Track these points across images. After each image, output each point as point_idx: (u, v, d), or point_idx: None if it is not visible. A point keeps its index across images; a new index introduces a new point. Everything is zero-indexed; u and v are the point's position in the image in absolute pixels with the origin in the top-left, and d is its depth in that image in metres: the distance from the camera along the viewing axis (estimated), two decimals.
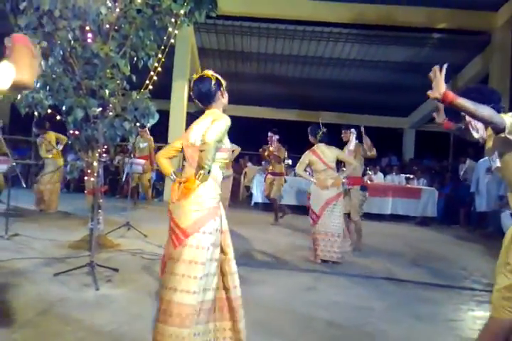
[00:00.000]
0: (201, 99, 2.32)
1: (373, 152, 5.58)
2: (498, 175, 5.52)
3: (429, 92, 1.87)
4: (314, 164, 4.88)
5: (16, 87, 1.33)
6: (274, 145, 7.37)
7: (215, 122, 2.12)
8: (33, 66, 1.38)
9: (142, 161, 7.21)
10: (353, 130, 5.47)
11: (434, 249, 6.21)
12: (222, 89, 2.32)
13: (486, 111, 1.90)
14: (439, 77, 1.85)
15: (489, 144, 2.22)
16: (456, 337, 2.93)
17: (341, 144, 5.70)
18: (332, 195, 4.75)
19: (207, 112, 2.32)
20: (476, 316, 3.35)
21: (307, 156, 4.89)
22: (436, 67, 1.87)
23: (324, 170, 4.81)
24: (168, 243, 2.20)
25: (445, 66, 1.88)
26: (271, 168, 7.59)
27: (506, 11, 9.19)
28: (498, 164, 2.24)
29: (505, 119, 1.93)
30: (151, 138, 7.97)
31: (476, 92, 2.09)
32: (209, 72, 2.30)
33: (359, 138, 5.56)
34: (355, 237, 5.63)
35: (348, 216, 5.54)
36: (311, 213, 4.84)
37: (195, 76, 2.32)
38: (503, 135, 1.97)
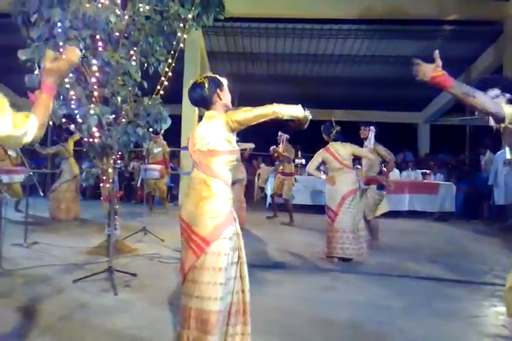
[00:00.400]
0: (198, 105, 2.33)
1: (390, 156, 5.47)
2: None
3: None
4: (329, 162, 4.84)
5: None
6: (282, 144, 7.36)
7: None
8: (45, 122, 1.59)
9: (158, 166, 7.26)
10: (372, 127, 5.40)
11: (452, 245, 6.12)
12: (219, 90, 2.25)
13: (479, 99, 1.82)
14: (423, 66, 1.85)
15: (504, 133, 2.19)
16: (480, 334, 2.88)
17: (356, 142, 5.66)
18: (347, 190, 4.68)
19: (207, 115, 2.27)
20: (499, 312, 3.27)
21: (320, 154, 4.86)
22: (418, 60, 1.86)
23: (340, 168, 4.77)
24: (187, 251, 2.15)
25: (436, 53, 1.88)
26: (281, 167, 7.59)
27: None
28: (508, 156, 2.21)
29: (504, 109, 1.87)
30: (165, 142, 8.02)
31: (493, 82, 2.05)
32: (202, 77, 2.28)
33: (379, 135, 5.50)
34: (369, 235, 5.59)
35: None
36: (327, 211, 4.80)
37: (190, 82, 2.31)
38: (503, 125, 1.95)
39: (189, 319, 2.08)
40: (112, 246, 3.72)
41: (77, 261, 4.25)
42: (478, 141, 10.05)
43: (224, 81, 2.31)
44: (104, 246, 4.35)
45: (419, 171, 9.98)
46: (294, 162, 7.80)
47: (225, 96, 2.29)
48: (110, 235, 3.90)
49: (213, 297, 2.05)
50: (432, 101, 13.96)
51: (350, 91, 13.38)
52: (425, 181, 9.48)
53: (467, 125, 11.92)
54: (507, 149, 2.25)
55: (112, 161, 4.45)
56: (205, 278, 2.07)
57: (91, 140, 4.42)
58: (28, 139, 1.51)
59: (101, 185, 4.62)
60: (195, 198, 2.17)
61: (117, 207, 4.46)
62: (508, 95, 2.05)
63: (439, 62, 1.84)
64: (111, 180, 4.41)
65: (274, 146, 7.64)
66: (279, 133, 7.38)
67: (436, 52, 1.84)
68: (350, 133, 5.67)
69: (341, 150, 4.78)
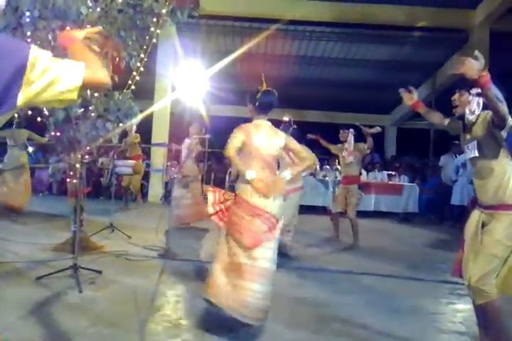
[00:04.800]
0: (267, 110, 2.99)
1: (370, 143, 5.66)
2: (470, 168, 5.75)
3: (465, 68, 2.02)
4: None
5: (92, 85, 1.27)
6: None
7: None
8: (100, 63, 1.28)
9: (131, 162, 7.13)
10: (351, 130, 5.60)
11: (415, 244, 6.34)
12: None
13: (504, 106, 2.12)
14: (472, 62, 2.00)
15: (477, 132, 2.34)
16: (438, 330, 3.00)
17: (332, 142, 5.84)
18: (293, 187, 4.61)
19: (265, 122, 2.93)
20: (457, 309, 3.44)
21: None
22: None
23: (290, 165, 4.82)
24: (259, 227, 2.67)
25: (477, 53, 2.06)
26: None
27: (484, 9, 9.38)
28: (476, 154, 2.35)
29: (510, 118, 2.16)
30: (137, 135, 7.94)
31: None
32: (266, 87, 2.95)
33: (359, 137, 5.66)
34: (335, 234, 5.76)
35: (341, 214, 5.67)
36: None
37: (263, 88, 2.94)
38: (499, 130, 2.23)
39: (245, 271, 2.66)
40: (77, 242, 3.65)
41: (41, 257, 4.14)
42: (441, 145, 10.41)
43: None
44: (70, 242, 4.25)
45: (386, 173, 10.25)
46: None
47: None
48: (76, 231, 3.82)
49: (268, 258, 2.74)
50: (399, 104, 14.35)
51: (321, 93, 13.58)
52: (390, 182, 9.75)
53: (431, 129, 12.34)
54: (470, 146, 2.40)
55: (79, 156, 4.35)
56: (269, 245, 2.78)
57: (58, 134, 4.31)
58: (74, 82, 1.17)
59: (67, 180, 4.51)
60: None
61: (84, 203, 4.36)
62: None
63: (483, 61, 2.01)
64: (78, 176, 4.32)
65: None
66: None
67: (477, 52, 2.01)
68: (323, 133, 5.81)
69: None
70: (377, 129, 5.63)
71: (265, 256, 2.72)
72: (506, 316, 2.40)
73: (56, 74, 1.14)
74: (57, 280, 3.42)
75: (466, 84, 2.38)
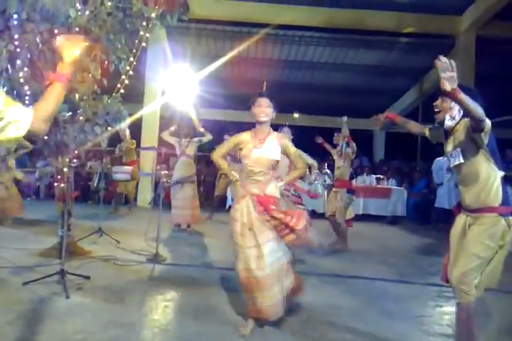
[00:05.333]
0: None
1: (353, 148, 5.70)
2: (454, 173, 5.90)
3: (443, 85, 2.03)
4: None
5: (29, 136, 1.47)
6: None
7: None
8: (53, 112, 1.53)
9: (129, 168, 7.06)
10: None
11: (402, 247, 6.39)
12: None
13: (479, 109, 2.13)
14: (449, 73, 2.00)
15: (460, 139, 2.38)
16: (425, 333, 3.03)
17: (315, 146, 5.87)
18: None
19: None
20: (444, 312, 3.47)
21: None
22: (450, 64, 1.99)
23: None
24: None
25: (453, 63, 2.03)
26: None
27: (469, 16, 9.55)
28: (461, 160, 2.39)
29: (487, 121, 2.16)
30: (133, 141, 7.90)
31: (469, 91, 2.21)
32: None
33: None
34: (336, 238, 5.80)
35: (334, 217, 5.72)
36: None
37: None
38: (478, 134, 2.23)
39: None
40: (64, 247, 3.61)
41: (28, 263, 4.09)
42: (428, 150, 10.54)
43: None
44: (57, 247, 4.20)
45: (374, 176, 10.33)
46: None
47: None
48: (63, 236, 3.78)
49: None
50: (388, 108, 14.50)
51: (310, 97, 13.66)
52: (379, 186, 9.83)
53: (399, 125, 12.49)
54: (454, 153, 2.46)
55: (67, 160, 4.31)
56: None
57: (45, 137, 4.27)
58: (19, 133, 1.40)
59: (55, 184, 4.47)
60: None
61: (72, 207, 4.32)
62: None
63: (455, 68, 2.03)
64: (66, 180, 4.28)
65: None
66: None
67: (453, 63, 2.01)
68: (309, 138, 5.85)
69: None
70: (343, 120, 5.68)
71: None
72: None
73: (8, 120, 1.36)
74: (44, 285, 3.38)
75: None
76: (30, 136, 1.45)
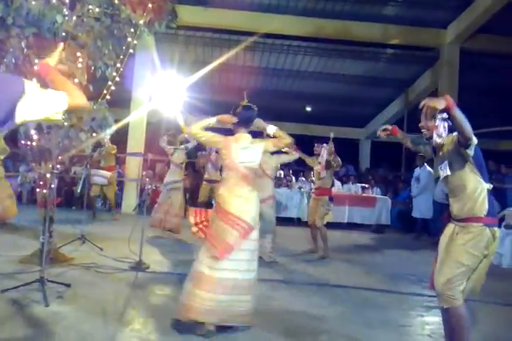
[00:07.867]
0: (248, 124, 3.08)
1: (337, 162, 5.75)
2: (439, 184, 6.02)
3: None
4: None
5: (75, 109, 1.62)
6: (212, 153, 7.40)
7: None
8: (76, 90, 1.63)
9: (108, 174, 6.97)
10: (325, 145, 5.74)
11: (385, 256, 6.44)
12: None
13: (469, 128, 2.29)
14: (432, 99, 2.31)
15: (447, 152, 2.49)
16: None
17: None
18: None
19: (244, 135, 3.04)
20: (425, 321, 3.50)
21: None
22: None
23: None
24: (231, 233, 2.80)
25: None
26: (207, 175, 7.63)
27: (454, 29, 9.78)
28: (448, 172, 2.48)
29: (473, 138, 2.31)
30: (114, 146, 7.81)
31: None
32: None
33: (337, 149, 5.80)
34: (320, 245, 5.83)
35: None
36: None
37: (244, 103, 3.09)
38: (465, 150, 2.38)
39: (225, 286, 2.83)
40: (45, 254, 3.55)
41: (7, 270, 4.00)
42: (413, 159, 10.69)
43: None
44: (38, 254, 4.12)
45: (359, 185, 10.42)
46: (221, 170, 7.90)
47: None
48: (44, 243, 3.72)
49: (252, 269, 2.98)
50: (373, 118, 14.70)
51: (298, 106, 13.77)
52: (364, 195, 9.91)
53: (400, 140, 12.66)
54: (443, 166, 2.56)
55: (50, 166, 4.26)
56: (245, 256, 2.94)
57: (28, 143, 4.22)
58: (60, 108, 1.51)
59: (37, 190, 4.40)
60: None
61: (54, 213, 4.26)
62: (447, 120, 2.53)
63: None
64: (49, 186, 4.22)
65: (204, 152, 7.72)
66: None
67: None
68: (298, 145, 5.90)
69: None
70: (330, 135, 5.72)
71: (237, 267, 2.84)
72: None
73: (44, 101, 1.48)
74: (23, 293, 3.31)
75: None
76: (75, 110, 1.65)
